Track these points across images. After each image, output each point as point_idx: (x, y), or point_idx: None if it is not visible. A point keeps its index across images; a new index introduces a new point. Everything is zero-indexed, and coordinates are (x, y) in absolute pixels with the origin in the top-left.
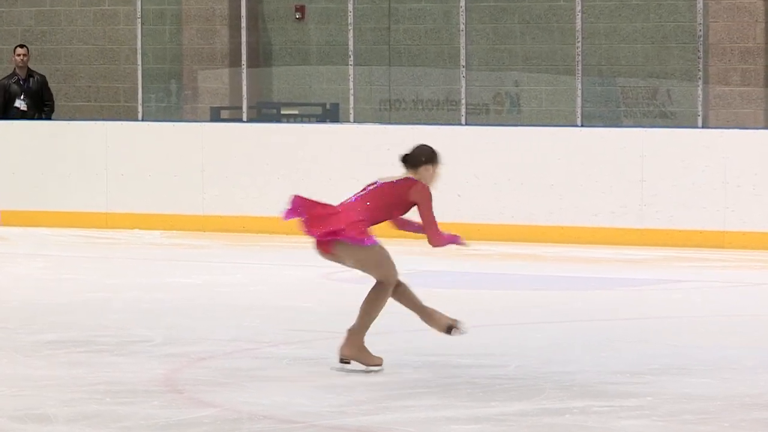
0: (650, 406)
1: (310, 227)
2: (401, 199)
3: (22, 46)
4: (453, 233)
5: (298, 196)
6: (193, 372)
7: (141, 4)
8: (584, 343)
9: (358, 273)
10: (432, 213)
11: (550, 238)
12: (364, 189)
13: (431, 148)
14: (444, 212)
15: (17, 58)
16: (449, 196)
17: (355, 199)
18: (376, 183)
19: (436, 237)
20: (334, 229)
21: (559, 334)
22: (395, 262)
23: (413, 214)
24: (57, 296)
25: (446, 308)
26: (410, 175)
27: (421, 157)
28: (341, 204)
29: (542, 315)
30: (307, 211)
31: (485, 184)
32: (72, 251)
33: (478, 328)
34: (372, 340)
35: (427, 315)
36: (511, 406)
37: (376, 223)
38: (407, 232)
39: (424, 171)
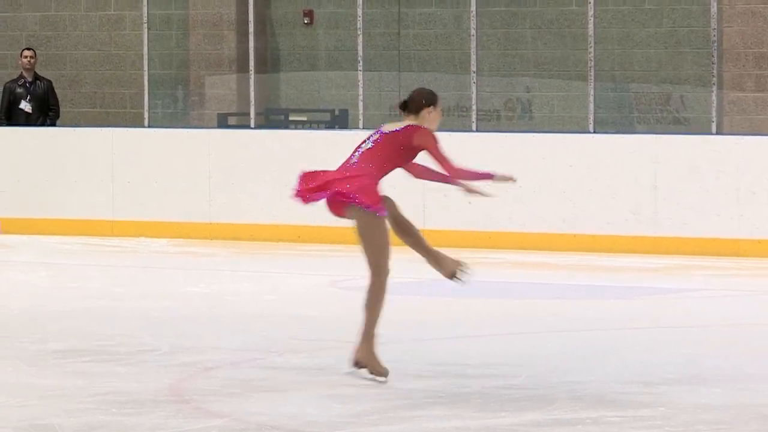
0: (664, 417)
1: (314, 191)
2: (406, 147)
3: (29, 48)
4: (482, 170)
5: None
6: (200, 382)
7: (147, 9)
8: (596, 352)
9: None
10: (442, 151)
11: (562, 245)
12: (365, 141)
13: (429, 90)
14: (454, 219)
15: (24, 60)
16: (459, 203)
17: (358, 159)
18: (379, 133)
19: (454, 170)
20: (345, 192)
21: (570, 343)
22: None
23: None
24: (62, 305)
25: (455, 316)
26: (411, 122)
27: (421, 101)
28: (345, 167)
29: (553, 324)
30: (311, 179)
31: (496, 191)
32: (77, 259)
33: (487, 337)
34: (381, 350)
35: (434, 258)
36: (522, 417)
37: (385, 175)
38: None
39: (426, 115)
